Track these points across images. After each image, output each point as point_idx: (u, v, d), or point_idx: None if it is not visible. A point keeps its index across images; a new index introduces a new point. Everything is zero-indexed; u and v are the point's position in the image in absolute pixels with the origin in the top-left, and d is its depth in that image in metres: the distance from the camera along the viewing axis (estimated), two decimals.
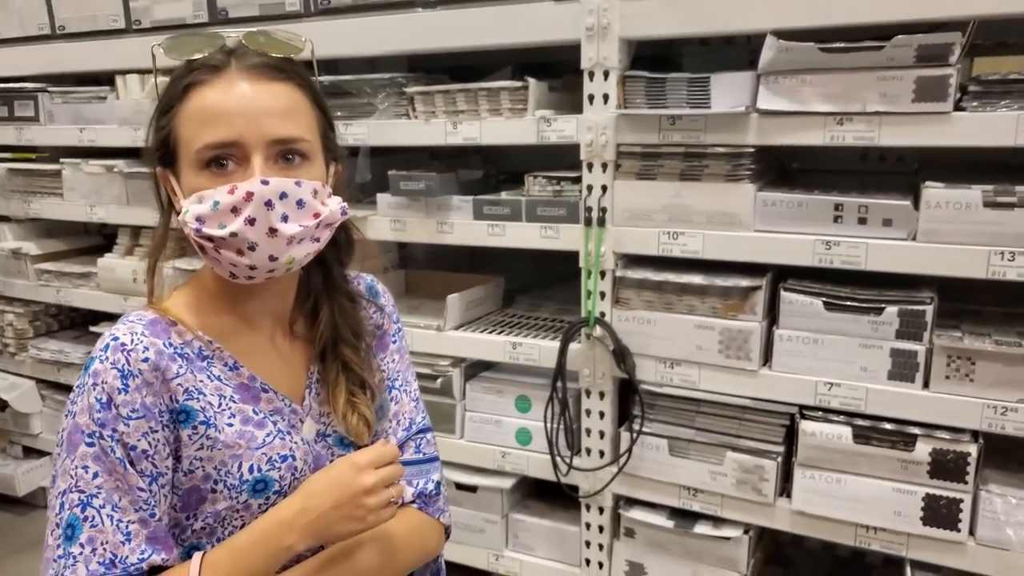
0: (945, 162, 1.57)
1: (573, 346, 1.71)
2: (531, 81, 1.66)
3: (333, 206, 0.95)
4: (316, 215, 0.92)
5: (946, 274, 1.37)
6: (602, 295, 1.66)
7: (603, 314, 1.67)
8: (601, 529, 1.79)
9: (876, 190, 1.49)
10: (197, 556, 0.91)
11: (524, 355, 1.78)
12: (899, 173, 1.77)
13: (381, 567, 1.01)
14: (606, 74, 1.56)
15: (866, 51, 1.34)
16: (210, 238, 0.89)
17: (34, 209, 2.53)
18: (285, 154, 0.92)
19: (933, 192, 1.36)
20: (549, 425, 1.74)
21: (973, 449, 1.40)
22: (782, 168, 1.84)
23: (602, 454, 1.75)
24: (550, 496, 1.90)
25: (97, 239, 2.76)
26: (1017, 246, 1.31)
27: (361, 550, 0.99)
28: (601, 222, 1.62)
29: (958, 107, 1.33)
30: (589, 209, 1.63)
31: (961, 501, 1.42)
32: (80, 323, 2.79)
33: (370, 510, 0.93)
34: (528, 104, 1.67)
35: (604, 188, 1.61)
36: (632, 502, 1.76)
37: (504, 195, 1.77)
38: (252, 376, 0.98)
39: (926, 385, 1.43)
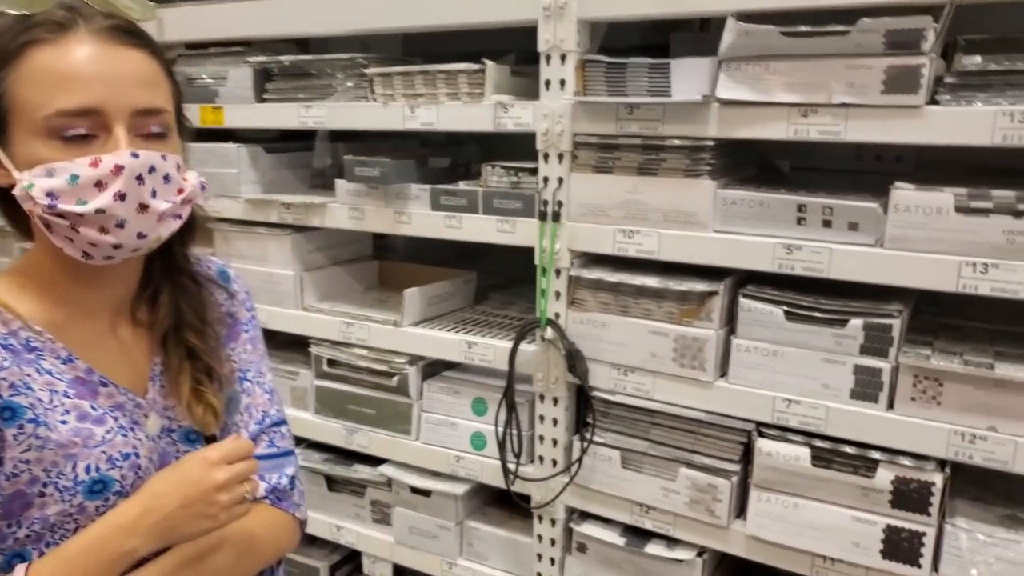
0: (946, 163, 1.42)
1: (528, 348, 1.61)
2: (488, 64, 1.57)
3: (193, 180, 0.91)
4: (180, 191, 0.89)
5: (913, 285, 1.23)
6: (557, 295, 1.56)
7: (557, 315, 1.57)
8: (553, 542, 1.69)
9: (862, 192, 1.35)
10: (20, 569, 0.83)
11: (479, 355, 1.69)
12: (894, 174, 1.62)
13: (236, 566, 0.95)
14: (563, 58, 1.46)
15: (831, 36, 1.21)
16: (64, 215, 0.82)
17: None
18: (147, 125, 0.86)
19: (902, 194, 1.23)
20: (499, 430, 1.65)
21: (938, 479, 1.26)
22: (765, 166, 1.71)
23: (555, 463, 1.65)
24: (509, 505, 1.80)
25: None
26: (991, 257, 1.16)
27: (216, 550, 0.92)
28: (556, 217, 1.52)
29: (933, 101, 1.20)
30: (544, 203, 1.53)
31: (923, 535, 1.28)
32: None
33: (222, 507, 0.87)
34: (485, 88, 1.58)
35: (560, 180, 1.51)
36: (586, 516, 1.66)
37: (463, 185, 1.68)
38: (89, 369, 0.91)
39: (891, 406, 1.30)
